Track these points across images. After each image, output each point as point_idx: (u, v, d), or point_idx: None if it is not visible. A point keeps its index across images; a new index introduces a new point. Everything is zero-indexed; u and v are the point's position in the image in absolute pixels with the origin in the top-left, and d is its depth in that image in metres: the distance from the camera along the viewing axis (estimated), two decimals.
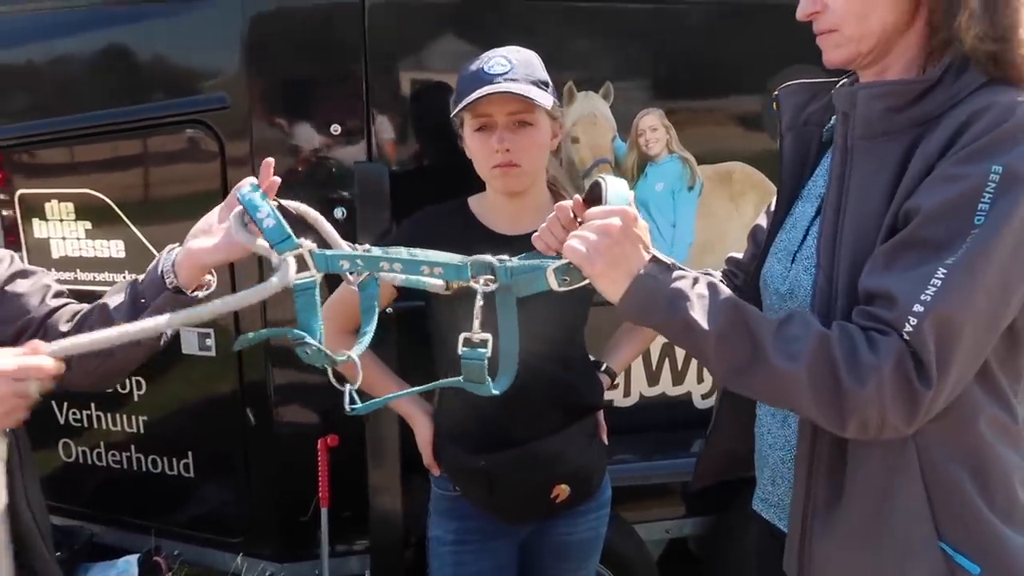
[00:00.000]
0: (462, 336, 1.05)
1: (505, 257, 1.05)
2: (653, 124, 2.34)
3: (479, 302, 1.03)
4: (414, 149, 2.27)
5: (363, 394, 1.11)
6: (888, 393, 0.91)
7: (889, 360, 0.91)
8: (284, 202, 1.13)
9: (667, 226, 2.41)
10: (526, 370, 1.51)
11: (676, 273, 1.01)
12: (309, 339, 1.03)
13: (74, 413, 2.53)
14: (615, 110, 2.30)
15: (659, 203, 2.38)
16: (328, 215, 2.15)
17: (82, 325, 1.17)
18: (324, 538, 2.24)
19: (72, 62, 2.29)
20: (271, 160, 1.13)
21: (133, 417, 2.48)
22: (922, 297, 0.91)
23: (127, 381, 2.44)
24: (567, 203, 1.10)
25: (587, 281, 1.00)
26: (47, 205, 2.39)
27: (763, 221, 1.32)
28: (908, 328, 0.91)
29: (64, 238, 2.40)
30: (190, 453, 2.44)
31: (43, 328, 1.20)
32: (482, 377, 1.07)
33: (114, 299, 1.18)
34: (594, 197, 1.09)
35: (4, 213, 2.44)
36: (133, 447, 2.49)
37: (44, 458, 2.59)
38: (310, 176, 2.20)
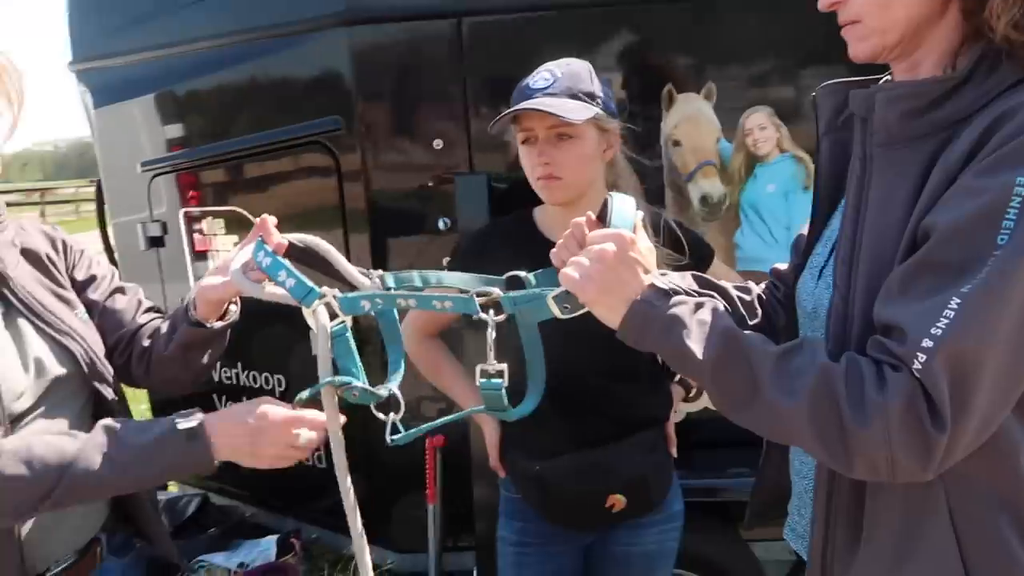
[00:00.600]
0: (478, 368, 1.07)
1: (524, 276, 1.08)
2: (761, 122, 2.22)
3: (491, 334, 1.05)
4: (512, 159, 2.32)
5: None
6: (896, 435, 0.82)
7: (897, 399, 0.82)
8: (291, 237, 1.21)
9: (780, 229, 2.28)
10: (580, 381, 1.54)
11: (675, 299, 0.97)
12: (355, 382, 1.08)
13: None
14: (718, 110, 2.21)
15: (770, 205, 2.26)
16: (432, 225, 2.32)
17: (154, 342, 1.33)
18: (431, 532, 2.36)
19: (217, 94, 2.59)
20: (268, 218, 1.19)
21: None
22: (932, 330, 0.81)
23: (270, 377, 2.71)
24: (581, 220, 1.10)
25: (586, 309, 0.99)
26: (203, 222, 2.72)
27: (807, 230, 1.23)
28: (917, 365, 0.81)
29: (217, 251, 2.72)
30: (321, 447, 2.66)
31: (133, 341, 1.36)
32: (502, 405, 1.09)
33: (164, 325, 1.33)
34: (605, 215, 1.08)
35: (195, 228, 2.80)
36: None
37: None
38: (415, 189, 2.33)
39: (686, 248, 1.59)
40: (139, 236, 2.86)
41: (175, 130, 2.71)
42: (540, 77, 1.48)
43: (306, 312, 1.09)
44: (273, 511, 2.91)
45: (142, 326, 1.36)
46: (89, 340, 1.28)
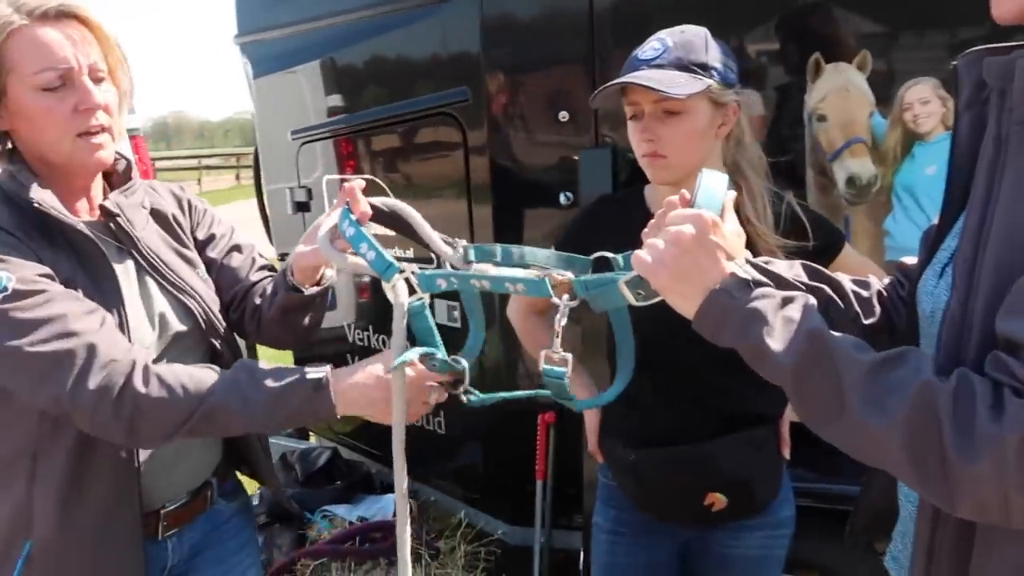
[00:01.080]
0: (543, 352, 1.03)
1: (612, 258, 1.03)
2: (924, 96, 1.98)
3: (560, 320, 1.00)
4: None
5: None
6: (1014, 474, 0.69)
7: (1017, 430, 0.69)
8: (376, 202, 1.20)
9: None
10: (685, 369, 1.45)
11: (759, 291, 0.87)
12: (438, 353, 1.09)
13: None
14: (872, 81, 1.99)
15: (929, 189, 2.02)
16: (555, 199, 2.27)
17: (262, 303, 1.38)
18: (538, 508, 2.35)
19: (360, 65, 2.68)
20: (355, 184, 1.18)
21: None
22: None
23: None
24: (675, 199, 1.01)
25: (660, 297, 0.91)
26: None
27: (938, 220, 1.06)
28: None
29: None
30: (442, 412, 2.72)
31: (246, 298, 1.42)
32: (565, 394, 1.04)
33: (270, 287, 1.38)
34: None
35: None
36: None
37: None
38: (539, 161, 2.30)
39: (809, 233, 1.45)
40: (287, 202, 3.03)
41: (319, 100, 2.84)
42: (649, 47, 1.38)
43: (385, 286, 1.09)
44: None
45: (255, 284, 1.43)
46: (207, 298, 1.35)
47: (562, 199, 2.25)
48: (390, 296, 1.09)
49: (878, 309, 1.07)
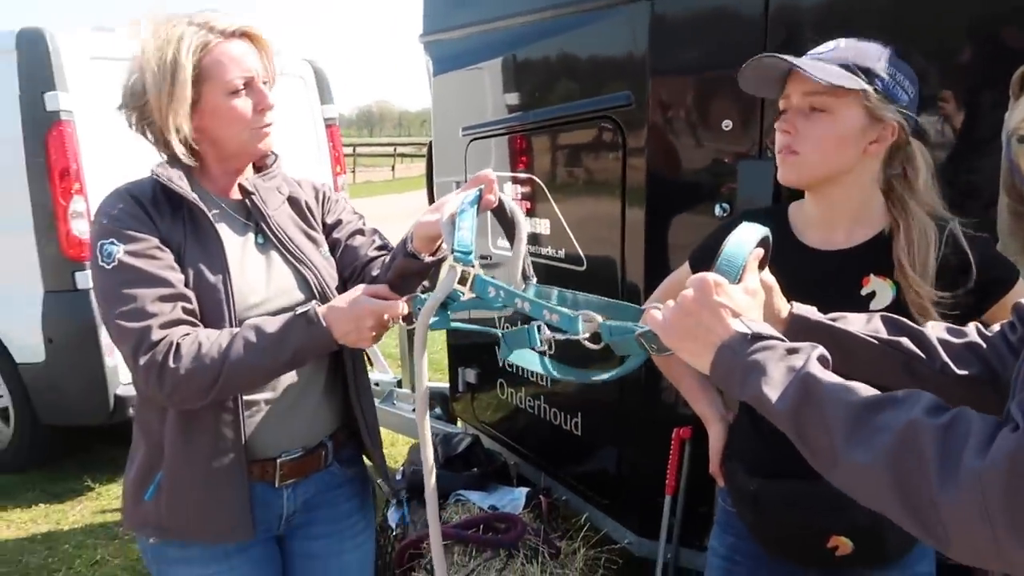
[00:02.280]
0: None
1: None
2: None
3: (594, 346, 1.07)
4: None
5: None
6: (998, 511, 0.64)
7: (1000, 463, 0.64)
8: (507, 201, 1.24)
9: None
10: None
11: (759, 344, 0.87)
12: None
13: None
14: None
15: None
16: (710, 210, 2.20)
17: (380, 273, 1.49)
18: (665, 523, 2.30)
19: (528, 67, 2.73)
20: (491, 174, 1.25)
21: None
22: None
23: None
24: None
25: (671, 351, 0.96)
26: (504, 186, 2.91)
27: None
28: None
29: None
30: (580, 414, 2.73)
31: (364, 271, 1.55)
32: (634, 349, 1.07)
33: (388, 257, 1.49)
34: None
35: (505, 189, 3.04)
36: (543, 398, 2.90)
37: (490, 395, 3.21)
38: (697, 170, 2.23)
39: (973, 268, 1.30)
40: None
41: (489, 99, 2.93)
42: (824, 45, 1.32)
43: (448, 264, 1.19)
44: (532, 465, 3.07)
45: (373, 259, 1.55)
46: (324, 273, 1.51)
47: (717, 210, 2.17)
48: (444, 270, 1.20)
49: (975, 359, 1.00)
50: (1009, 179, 1.89)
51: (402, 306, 1.32)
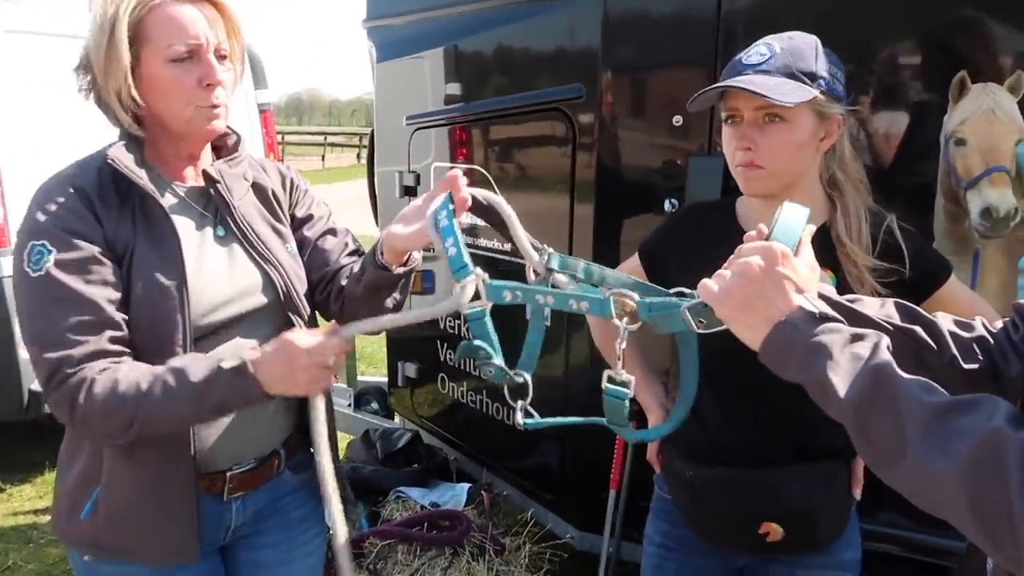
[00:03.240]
0: (605, 373, 1.02)
1: (690, 293, 0.99)
2: None
3: (621, 343, 1.00)
4: None
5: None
6: None
7: None
8: (478, 194, 1.19)
9: None
10: (761, 391, 1.38)
11: (825, 326, 0.84)
12: (495, 359, 1.11)
13: (450, 354, 3.00)
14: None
15: None
16: (659, 205, 2.21)
17: (348, 282, 1.39)
18: (608, 516, 2.30)
19: (477, 56, 2.69)
20: (458, 173, 1.18)
21: None
22: None
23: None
24: (753, 233, 0.99)
25: (724, 326, 0.91)
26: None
27: None
28: None
29: None
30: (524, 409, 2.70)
31: (333, 280, 1.44)
32: (623, 419, 1.03)
33: (357, 267, 1.39)
34: None
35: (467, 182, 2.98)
36: (484, 392, 2.87)
37: (430, 389, 3.16)
38: (647, 165, 2.23)
39: (906, 260, 1.34)
40: (396, 185, 3.09)
41: (435, 88, 2.87)
42: (755, 52, 1.31)
43: (455, 285, 1.10)
44: (473, 460, 3.03)
45: (343, 267, 1.45)
46: (290, 272, 1.39)
47: (667, 205, 2.18)
48: (455, 292, 1.09)
49: (980, 354, 0.99)
50: (946, 181, 1.96)
51: (337, 343, 1.19)
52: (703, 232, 1.47)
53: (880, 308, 0.98)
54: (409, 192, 3.08)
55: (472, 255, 1.11)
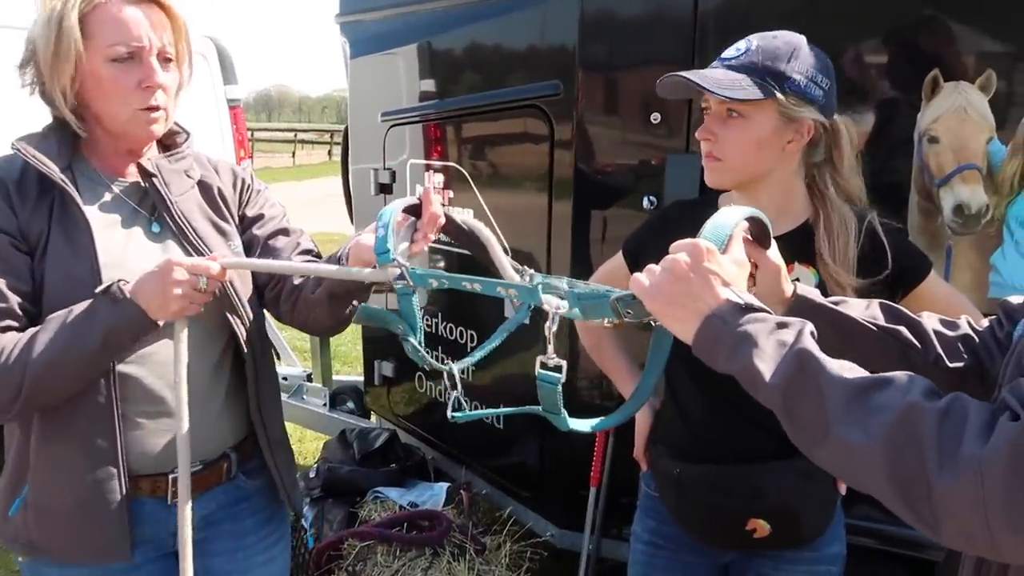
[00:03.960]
0: (538, 359, 1.03)
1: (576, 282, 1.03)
2: None
3: (552, 326, 1.02)
4: None
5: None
6: (995, 499, 0.65)
7: (1000, 451, 0.65)
8: (457, 217, 1.20)
9: None
10: (747, 392, 1.38)
11: (750, 316, 0.86)
12: (411, 339, 1.17)
13: (427, 352, 2.97)
14: (995, 106, 1.85)
15: None
16: (638, 202, 2.21)
17: (304, 283, 1.37)
18: (589, 514, 2.30)
19: (454, 52, 2.66)
20: (430, 189, 1.23)
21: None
22: None
23: (464, 331, 2.79)
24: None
25: (651, 317, 0.93)
26: (426, 175, 2.84)
27: None
28: None
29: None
30: (501, 406, 2.69)
31: (283, 279, 1.41)
32: (556, 406, 1.04)
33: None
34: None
35: (427, 178, 2.95)
36: (463, 391, 2.85)
37: (407, 388, 3.13)
38: (625, 162, 2.24)
39: (888, 257, 1.36)
40: (371, 182, 3.06)
41: (411, 84, 2.84)
42: (733, 47, 1.33)
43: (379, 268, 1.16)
44: (451, 459, 3.02)
45: None
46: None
47: (645, 203, 2.18)
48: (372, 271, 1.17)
49: (965, 352, 1.01)
50: (920, 178, 1.99)
51: (214, 265, 1.21)
52: (686, 229, 1.47)
53: (865, 309, 0.99)
54: (384, 189, 3.05)
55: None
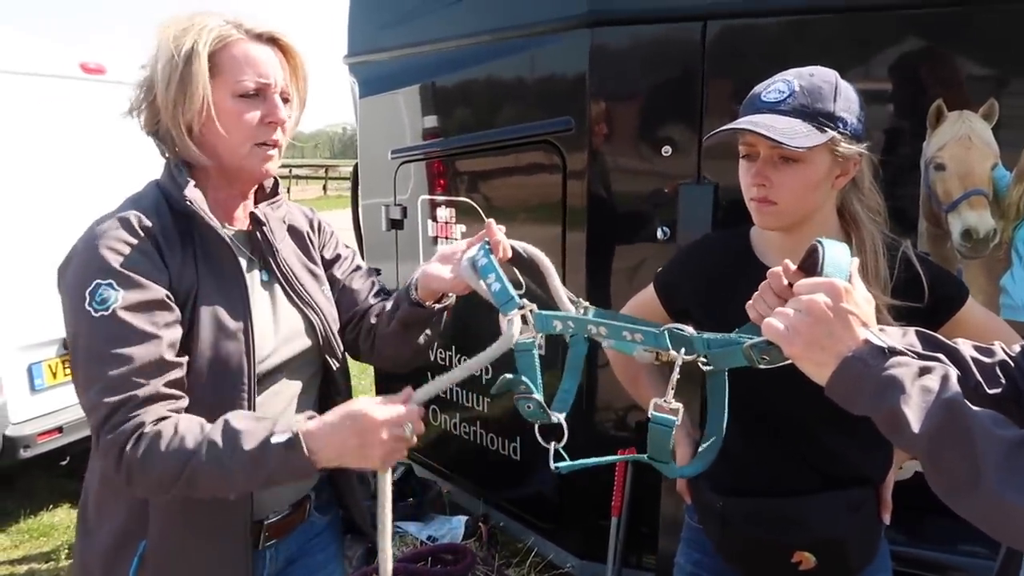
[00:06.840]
0: (653, 401, 1.03)
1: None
2: None
3: (675, 374, 1.02)
4: None
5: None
6: None
7: None
8: (518, 246, 1.22)
9: None
10: (786, 422, 1.40)
11: (895, 360, 0.86)
12: (535, 394, 1.10)
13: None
14: (999, 134, 1.91)
15: None
16: (651, 233, 2.25)
17: (379, 320, 1.39)
18: (611, 545, 2.31)
19: (465, 91, 2.72)
20: (492, 221, 1.22)
21: (481, 397, 2.85)
22: None
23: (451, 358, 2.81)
24: (778, 270, 1.01)
25: (789, 360, 0.92)
26: (438, 210, 2.88)
27: None
28: None
29: (447, 238, 2.86)
30: (519, 438, 2.71)
31: (363, 319, 1.43)
32: (666, 453, 1.04)
33: (389, 304, 1.39)
34: (811, 263, 0.98)
35: (432, 215, 3.00)
36: (479, 423, 2.87)
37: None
38: (638, 194, 2.28)
39: (925, 289, 1.37)
40: (382, 218, 3.10)
41: (422, 122, 2.90)
42: (774, 88, 1.32)
43: (502, 318, 1.12)
44: (468, 492, 3.02)
45: (372, 306, 1.44)
46: (329, 315, 1.37)
47: (659, 234, 2.23)
48: (503, 326, 1.11)
49: (1003, 379, 1.02)
50: (928, 205, 2.04)
51: (415, 408, 1.12)
52: (720, 264, 1.48)
53: (903, 337, 1.00)
54: (396, 225, 3.09)
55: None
